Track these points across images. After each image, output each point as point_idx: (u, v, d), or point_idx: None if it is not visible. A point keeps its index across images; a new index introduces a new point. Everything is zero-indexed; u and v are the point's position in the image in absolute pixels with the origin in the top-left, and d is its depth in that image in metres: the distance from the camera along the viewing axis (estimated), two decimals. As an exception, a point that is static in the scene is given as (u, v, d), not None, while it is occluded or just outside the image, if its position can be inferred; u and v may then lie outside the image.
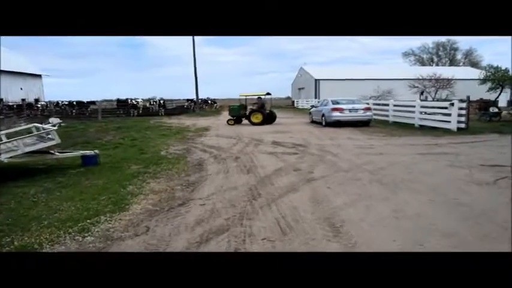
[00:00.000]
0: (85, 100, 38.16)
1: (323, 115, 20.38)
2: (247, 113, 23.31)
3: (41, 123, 11.50)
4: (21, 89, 46.60)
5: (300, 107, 52.34)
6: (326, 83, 54.65)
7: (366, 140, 13.88)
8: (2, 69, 42.09)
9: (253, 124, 22.18)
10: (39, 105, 38.12)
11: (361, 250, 4.19)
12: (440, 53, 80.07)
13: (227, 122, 23.60)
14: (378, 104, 25.01)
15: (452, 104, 15.98)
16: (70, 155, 9.70)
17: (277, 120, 26.11)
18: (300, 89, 64.67)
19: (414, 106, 19.31)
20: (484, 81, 44.00)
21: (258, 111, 23.01)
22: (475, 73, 53.57)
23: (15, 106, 37.90)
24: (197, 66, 37.15)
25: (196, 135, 17.08)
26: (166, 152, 11.76)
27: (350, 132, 16.68)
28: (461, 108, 15.97)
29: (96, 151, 9.92)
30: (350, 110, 19.27)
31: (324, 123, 20.27)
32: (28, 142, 9.09)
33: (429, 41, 79.93)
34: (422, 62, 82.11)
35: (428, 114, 18.61)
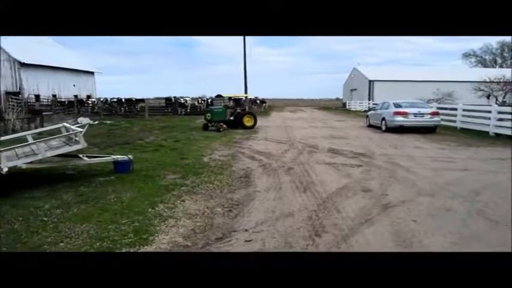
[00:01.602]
0: (135, 98, 37.87)
1: (383, 119, 18.42)
2: (234, 116, 20.53)
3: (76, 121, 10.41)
4: (74, 85, 47.26)
5: (352, 109, 49.96)
6: (381, 84, 51.96)
7: (437, 150, 11.94)
8: (55, 66, 42.83)
9: (246, 128, 19.86)
10: (89, 102, 38.22)
11: None
12: (505, 54, 74.71)
13: (203, 128, 19.81)
14: (443, 108, 22.60)
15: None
16: (100, 161, 8.51)
17: (331, 123, 24.38)
18: (352, 90, 62.10)
19: (489, 111, 17.03)
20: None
21: (249, 114, 21.28)
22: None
23: (66, 102, 38.27)
24: (246, 65, 35.86)
25: (243, 138, 15.68)
26: (209, 159, 10.40)
27: (415, 140, 14.71)
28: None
29: (130, 156, 8.69)
30: (415, 115, 17.22)
31: (384, 128, 18.30)
32: (53, 145, 7.98)
33: (493, 41, 74.87)
34: (484, 64, 77.04)
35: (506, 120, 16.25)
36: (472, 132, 17.33)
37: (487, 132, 16.48)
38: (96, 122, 24.39)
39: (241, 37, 38.98)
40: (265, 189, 6.96)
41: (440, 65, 73.65)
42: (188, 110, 35.70)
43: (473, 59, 78.51)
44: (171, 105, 36.37)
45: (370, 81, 53.45)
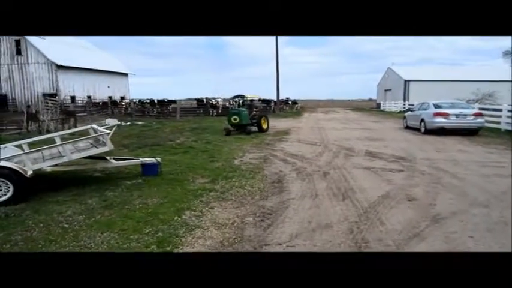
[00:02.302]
0: (168, 98, 37.96)
1: (422, 120, 17.52)
2: (254, 119, 18.76)
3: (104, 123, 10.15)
4: (108, 87, 47.88)
5: (387, 110, 48.65)
6: (416, 84, 50.43)
7: (484, 154, 11.10)
8: (90, 67, 43.51)
9: (262, 131, 18.19)
10: (123, 103, 38.57)
11: None
12: (549, 53, 71.16)
13: (226, 132, 17.29)
14: (485, 109, 21.40)
15: None
16: (127, 163, 8.20)
17: (365, 124, 23.57)
18: (386, 90, 60.57)
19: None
20: None
21: (264, 117, 19.34)
22: None
23: (100, 103, 38.77)
24: (278, 66, 35.29)
25: (275, 139, 15.18)
26: (240, 161, 9.96)
27: (458, 142, 13.84)
28: None
29: (158, 159, 8.35)
30: (457, 116, 16.27)
31: (423, 130, 17.41)
32: (80, 146, 7.71)
33: (536, 39, 71.43)
34: (526, 62, 73.69)
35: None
36: (519, 134, 16.27)
37: (537, 135, 15.43)
38: (128, 123, 24.43)
39: (272, 37, 38.50)
40: (300, 197, 6.45)
41: (477, 64, 70.63)
42: (220, 111, 35.50)
43: (513, 58, 75.17)
44: (203, 106, 36.27)
45: (405, 81, 51.98)
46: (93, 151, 7.20)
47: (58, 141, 7.71)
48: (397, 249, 4.16)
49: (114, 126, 8.03)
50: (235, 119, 17.29)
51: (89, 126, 8.97)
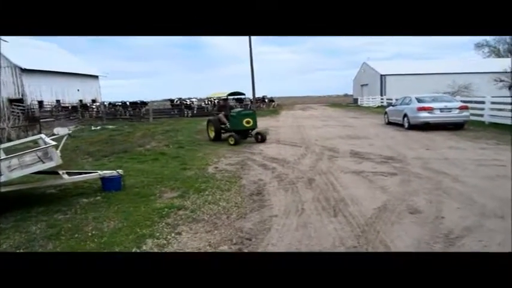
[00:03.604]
0: (141, 100, 36.53)
1: (405, 115, 16.81)
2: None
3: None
4: (78, 90, 46.11)
5: (364, 105, 48.15)
6: (393, 79, 50.16)
7: (477, 150, 10.36)
8: (58, 70, 41.74)
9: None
10: (93, 106, 37.01)
11: None
12: (520, 44, 71.88)
13: (214, 138, 14.65)
14: (466, 101, 20.84)
15: None
16: (82, 178, 7.10)
17: (345, 121, 22.79)
18: (362, 85, 60.25)
19: (524, 104, 15.41)
20: None
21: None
22: None
23: (70, 107, 37.12)
24: (254, 64, 34.31)
25: (252, 141, 14.21)
26: (215, 169, 8.95)
27: (447, 138, 13.13)
28: None
29: (120, 171, 7.29)
30: (441, 110, 15.58)
31: (406, 125, 16.69)
32: (26, 161, 6.61)
33: (507, 30, 72.15)
34: (498, 54, 74.44)
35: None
36: (504, 127, 15.69)
37: (522, 127, 14.87)
38: (98, 127, 23.18)
39: (247, 37, 37.61)
40: (283, 212, 5.49)
41: (451, 57, 71.17)
42: (195, 112, 34.41)
43: (486, 50, 75.91)
44: (177, 107, 35.07)
45: (381, 75, 51.71)
46: (39, 167, 6.09)
47: (2, 155, 6.62)
48: (396, 250, 4.02)
49: (65, 135, 6.94)
50: (248, 122, 13.69)
51: (37, 137, 7.82)
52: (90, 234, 4.92)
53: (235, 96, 20.07)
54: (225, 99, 17.05)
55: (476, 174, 7.36)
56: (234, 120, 14.02)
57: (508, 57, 68.43)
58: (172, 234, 4.81)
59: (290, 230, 4.81)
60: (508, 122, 16.07)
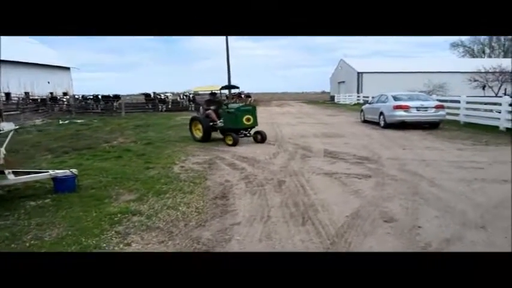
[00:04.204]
0: (117, 94, 35.47)
1: (381, 114, 16.53)
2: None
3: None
4: (49, 82, 44.64)
5: (341, 102, 48.02)
6: (370, 76, 50.25)
7: (454, 151, 10.08)
8: (27, 61, 40.27)
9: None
10: (64, 99, 35.78)
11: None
12: (493, 44, 73.13)
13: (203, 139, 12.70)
14: (442, 101, 20.74)
15: None
16: (30, 178, 6.47)
17: (321, 118, 22.47)
18: (339, 82, 60.27)
19: (499, 104, 15.29)
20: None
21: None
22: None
23: (39, 100, 35.79)
24: (230, 60, 33.66)
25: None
26: (181, 168, 8.40)
27: (422, 138, 12.87)
28: None
29: (74, 170, 6.68)
30: (418, 108, 15.35)
31: (382, 123, 16.42)
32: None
33: (481, 31, 73.44)
34: (472, 54, 75.72)
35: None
36: (479, 127, 15.58)
37: (496, 127, 14.76)
38: (66, 122, 22.28)
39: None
40: (247, 220, 5.00)
41: (427, 56, 71.92)
42: (169, 106, 33.65)
43: (461, 49, 77.13)
44: (151, 101, 34.21)
45: (358, 73, 51.76)
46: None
47: None
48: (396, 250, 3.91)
49: (11, 131, 6.29)
50: (248, 120, 12.04)
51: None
52: (28, 244, 4.34)
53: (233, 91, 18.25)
54: (214, 94, 14.27)
55: (454, 177, 7.01)
56: (231, 118, 12.07)
57: (481, 57, 69.75)
58: (121, 246, 4.26)
59: (253, 241, 4.32)
60: (482, 122, 15.98)
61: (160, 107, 32.60)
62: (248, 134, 12.58)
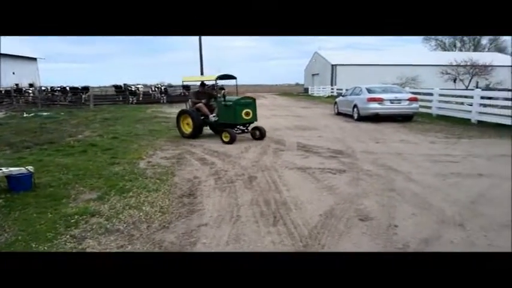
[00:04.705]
0: (86, 85, 34.23)
1: (355, 106, 16.40)
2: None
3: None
4: (14, 73, 42.95)
5: (315, 94, 47.98)
6: (343, 69, 50.38)
7: (428, 144, 9.98)
8: (-9, 51, 38.60)
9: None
10: (30, 91, 34.44)
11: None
12: (464, 38, 74.35)
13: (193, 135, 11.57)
14: (414, 93, 20.80)
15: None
16: (-20, 177, 5.97)
17: (295, 111, 22.25)
18: (313, 75, 60.35)
19: (471, 96, 15.35)
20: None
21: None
22: (503, 59, 49.05)
23: (3, 91, 34.33)
24: (205, 51, 33.05)
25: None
26: (148, 163, 8.00)
27: (396, 130, 12.79)
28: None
29: (30, 168, 6.21)
30: (391, 101, 15.28)
31: (356, 116, 16.31)
32: None
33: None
34: (443, 47, 76.97)
35: (489, 106, 14.62)
36: (451, 119, 15.65)
37: (468, 120, 14.83)
38: (31, 115, 21.36)
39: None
40: (215, 220, 4.68)
41: (400, 49, 72.53)
42: (140, 98, 32.82)
43: (433, 43, 78.25)
44: (122, 93, 33.29)
45: (332, 65, 51.84)
46: None
47: None
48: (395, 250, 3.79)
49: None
50: (247, 114, 10.77)
51: None
52: (-30, 252, 3.91)
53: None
54: (204, 85, 12.74)
55: (430, 172, 6.85)
56: (228, 111, 10.79)
57: (453, 50, 70.90)
58: (75, 251, 3.89)
59: (220, 244, 4.00)
60: (454, 114, 16.05)
61: (130, 99, 31.72)
62: (246, 130, 11.34)
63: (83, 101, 31.02)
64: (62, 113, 22.07)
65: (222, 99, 11.04)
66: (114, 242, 4.12)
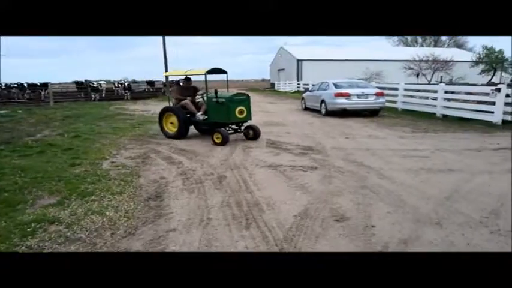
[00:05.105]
0: (45, 82, 32.92)
1: (322, 101, 16.37)
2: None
3: None
4: (-32, 69, 41.07)
5: (281, 89, 47.96)
6: (309, 64, 50.53)
7: (396, 139, 9.99)
8: None
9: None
10: (-16, 88, 32.89)
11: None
12: (424, 33, 75.91)
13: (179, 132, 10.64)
14: (380, 88, 21.01)
15: (499, 90, 12.16)
16: None
17: (262, 106, 22.11)
18: (279, 70, 60.31)
19: (435, 91, 15.58)
20: (476, 63, 41.29)
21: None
22: (463, 54, 50.57)
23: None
24: (173, 47, 32.36)
25: (162, 129, 12.91)
26: (111, 164, 7.62)
27: (364, 125, 12.81)
28: (508, 96, 12.18)
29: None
30: (358, 96, 15.30)
31: (323, 111, 16.28)
32: None
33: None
34: (406, 43, 78.55)
35: (453, 101, 14.90)
36: (416, 114, 15.86)
37: (433, 114, 15.05)
38: (-14, 113, 20.33)
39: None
40: (184, 225, 4.41)
41: (365, 45, 73.65)
42: (103, 95, 31.92)
43: (395, 38, 79.69)
44: (84, 90, 32.26)
45: (298, 60, 51.85)
46: None
47: None
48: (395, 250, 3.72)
49: None
50: (241, 112, 9.76)
51: None
52: None
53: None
54: (189, 79, 11.51)
55: (401, 168, 6.79)
56: (220, 109, 9.71)
57: (414, 46, 72.48)
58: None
59: (190, 250, 3.76)
60: (419, 109, 16.27)
61: (93, 96, 30.79)
62: (239, 130, 10.38)
63: (42, 98, 29.86)
64: (20, 111, 21.10)
65: (213, 95, 9.92)
66: (44, 251, 3.80)
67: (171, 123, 10.88)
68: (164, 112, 11.03)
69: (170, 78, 31.71)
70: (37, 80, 33.07)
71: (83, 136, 11.32)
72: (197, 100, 11.02)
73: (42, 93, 30.73)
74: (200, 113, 10.51)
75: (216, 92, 9.96)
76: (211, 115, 10.05)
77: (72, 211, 4.92)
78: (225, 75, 10.83)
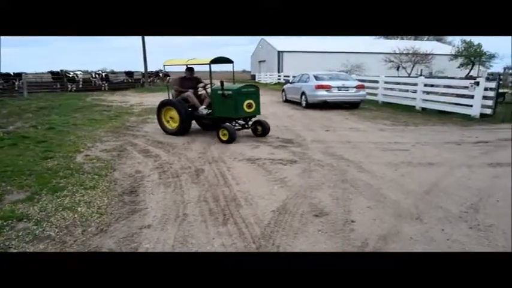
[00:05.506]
0: (18, 71, 31.99)
1: (303, 94, 16.29)
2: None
3: None
4: None
5: (262, 81, 47.75)
6: (290, 56, 50.46)
7: (376, 131, 9.98)
8: None
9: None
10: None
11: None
12: (404, 26, 76.32)
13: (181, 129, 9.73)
14: (361, 80, 21.05)
15: (477, 84, 12.25)
16: None
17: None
18: (260, 61, 60.10)
19: (415, 84, 15.66)
20: (455, 56, 41.77)
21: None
22: (442, 48, 51.12)
23: None
24: (154, 38, 31.85)
25: (139, 121, 12.63)
26: (85, 157, 7.38)
27: (344, 118, 12.79)
28: (486, 89, 12.30)
29: None
30: (339, 88, 15.26)
31: (304, 103, 16.20)
32: None
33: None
34: (386, 36, 78.99)
35: (432, 94, 15.01)
36: (395, 106, 15.94)
37: (413, 107, 15.14)
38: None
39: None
40: (159, 221, 4.26)
41: (345, 37, 73.59)
42: (80, 86, 31.25)
43: (376, 31, 79.98)
44: (60, 80, 31.50)
45: (278, 52, 51.74)
46: None
47: None
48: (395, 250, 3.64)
49: None
50: (249, 106, 8.95)
51: None
52: None
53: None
54: (191, 69, 10.36)
55: (381, 161, 6.74)
56: (227, 103, 8.83)
57: (395, 39, 72.94)
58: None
59: (164, 249, 3.62)
60: (399, 101, 16.35)
61: (69, 86, 30.09)
62: (247, 126, 9.51)
63: (16, 89, 29.02)
64: (-7, 102, 20.50)
65: (218, 87, 9.04)
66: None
67: (171, 117, 9.98)
68: (162, 106, 10.06)
69: (156, 69, 31.11)
70: (11, 70, 32.20)
71: (57, 128, 10.99)
72: (199, 92, 10.19)
73: (16, 83, 29.83)
74: (203, 106, 9.67)
75: (222, 83, 9.04)
76: (216, 109, 9.15)
77: (42, 207, 4.71)
78: (231, 64, 10.01)
